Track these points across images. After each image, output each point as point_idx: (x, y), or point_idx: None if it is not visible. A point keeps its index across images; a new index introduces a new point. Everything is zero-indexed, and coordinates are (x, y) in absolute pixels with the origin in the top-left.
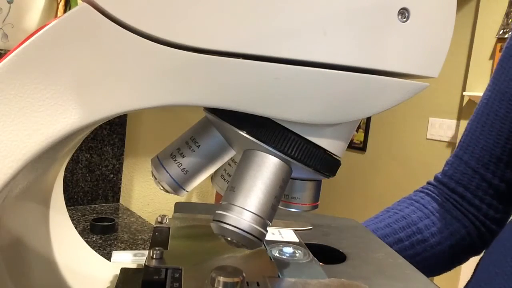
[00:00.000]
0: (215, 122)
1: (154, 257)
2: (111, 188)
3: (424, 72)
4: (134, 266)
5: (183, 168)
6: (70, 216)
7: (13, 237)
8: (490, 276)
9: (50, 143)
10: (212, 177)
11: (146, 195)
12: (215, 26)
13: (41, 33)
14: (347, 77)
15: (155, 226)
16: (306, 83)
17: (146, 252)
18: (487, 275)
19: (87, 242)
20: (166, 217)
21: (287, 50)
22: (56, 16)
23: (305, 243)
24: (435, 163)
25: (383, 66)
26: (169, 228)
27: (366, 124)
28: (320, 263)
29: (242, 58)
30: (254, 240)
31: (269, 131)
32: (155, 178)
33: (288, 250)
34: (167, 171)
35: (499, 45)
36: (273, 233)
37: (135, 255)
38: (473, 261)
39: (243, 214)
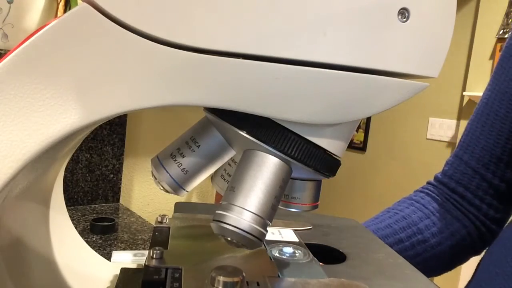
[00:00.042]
0: (215, 122)
1: (154, 257)
2: (111, 188)
3: (424, 72)
4: (134, 266)
5: (183, 168)
6: (70, 216)
7: (13, 237)
8: (491, 276)
9: (50, 143)
10: (212, 177)
11: (146, 195)
12: (215, 26)
13: (41, 33)
14: (347, 77)
15: (155, 226)
16: (306, 83)
17: (146, 252)
18: (487, 275)
19: (87, 242)
20: (166, 217)
21: (287, 50)
22: (56, 16)
23: (305, 243)
24: (435, 163)
25: (383, 66)
26: (169, 228)
27: (366, 124)
28: (320, 263)
29: (242, 58)
30: (254, 240)
31: (269, 131)
32: (155, 178)
33: (288, 250)
34: (167, 171)
35: (499, 45)
36: (273, 233)
37: (135, 255)
38: (473, 261)
39: (243, 214)
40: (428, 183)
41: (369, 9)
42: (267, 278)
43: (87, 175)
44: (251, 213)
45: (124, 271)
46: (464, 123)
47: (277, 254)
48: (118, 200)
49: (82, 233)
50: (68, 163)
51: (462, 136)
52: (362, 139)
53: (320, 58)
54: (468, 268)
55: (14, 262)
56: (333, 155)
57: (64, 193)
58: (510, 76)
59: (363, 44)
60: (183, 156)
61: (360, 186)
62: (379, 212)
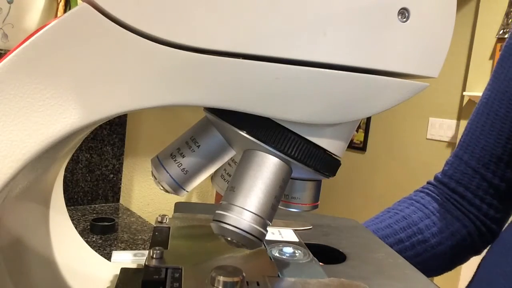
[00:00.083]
0: (215, 122)
1: (154, 256)
2: (111, 188)
3: (424, 72)
4: (134, 266)
5: (183, 168)
6: (70, 216)
7: (13, 237)
8: (491, 276)
9: (50, 143)
10: (212, 177)
11: (146, 195)
12: (215, 26)
13: (41, 33)
14: (347, 77)
15: (155, 226)
16: (306, 83)
17: (146, 252)
18: (488, 275)
19: (87, 242)
20: (166, 217)
21: (287, 50)
22: (56, 16)
23: (305, 243)
24: (435, 163)
25: (383, 66)
26: (169, 228)
27: (366, 124)
28: (320, 263)
29: (242, 58)
30: (254, 240)
31: (269, 131)
32: (155, 178)
33: (288, 250)
34: (167, 171)
35: (499, 45)
36: (273, 233)
37: (135, 255)
38: (473, 261)
39: (243, 214)
40: (428, 183)
41: (369, 9)
42: (267, 278)
43: (87, 175)
44: (251, 213)
45: (124, 271)
46: (464, 123)
47: (277, 254)
48: (118, 200)
49: (82, 233)
50: (68, 163)
51: (462, 136)
52: (362, 139)
53: (320, 58)
54: (468, 268)
55: (14, 262)
56: (333, 155)
57: (64, 193)
58: (510, 76)
59: (363, 44)
60: (183, 156)
61: (360, 186)
62: (379, 212)
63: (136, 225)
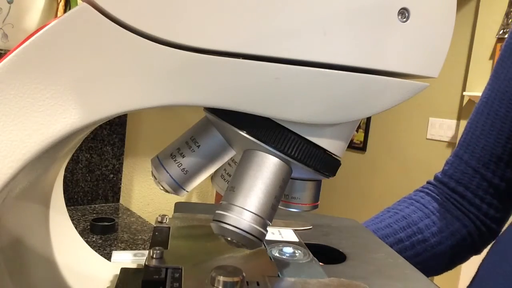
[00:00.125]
0: (215, 122)
1: (154, 256)
2: (111, 188)
3: (424, 72)
4: (134, 266)
5: (183, 168)
6: (70, 216)
7: (13, 237)
8: (492, 276)
9: (50, 143)
10: (212, 177)
11: (146, 195)
12: (215, 26)
13: (41, 33)
14: (347, 77)
15: (155, 226)
16: (306, 83)
17: (146, 252)
18: (489, 275)
19: (87, 242)
20: (166, 217)
21: (287, 50)
22: (56, 16)
23: (305, 243)
24: (435, 163)
25: (383, 66)
26: (169, 228)
27: (366, 124)
28: (320, 263)
29: (242, 58)
30: (254, 240)
31: (269, 131)
32: (155, 178)
33: (288, 250)
34: (167, 171)
35: (499, 45)
36: (273, 233)
37: (135, 255)
38: (473, 261)
39: (243, 214)
40: (428, 182)
41: (369, 9)
42: (267, 278)
43: (87, 175)
44: (251, 213)
45: (124, 271)
46: (464, 123)
47: (277, 254)
48: (118, 200)
49: (82, 233)
50: (68, 163)
51: (462, 136)
52: (362, 139)
53: (320, 58)
54: (468, 268)
55: (14, 262)
56: (333, 155)
57: (64, 193)
58: (510, 75)
59: (363, 44)
60: (183, 156)
61: (360, 186)
62: (379, 212)
63: (136, 225)
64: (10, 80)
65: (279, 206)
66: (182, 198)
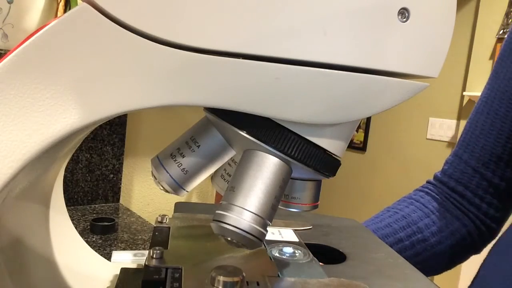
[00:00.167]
0: (215, 122)
1: (154, 256)
2: (111, 188)
3: (424, 72)
4: (134, 266)
5: (183, 168)
6: (70, 216)
7: (13, 237)
8: (493, 276)
9: (50, 143)
10: (212, 177)
11: (146, 195)
12: (215, 26)
13: (41, 33)
14: (347, 77)
15: (155, 226)
16: (306, 83)
17: (146, 252)
18: (490, 275)
19: (87, 242)
20: (166, 217)
21: (287, 50)
22: (56, 16)
23: (305, 243)
24: (435, 163)
25: (383, 66)
26: (169, 228)
27: (366, 124)
28: (320, 263)
29: (242, 58)
30: (254, 240)
31: (269, 131)
32: (155, 178)
33: (288, 250)
34: (167, 171)
35: (499, 45)
36: (273, 233)
37: (135, 255)
38: (473, 260)
39: (243, 214)
40: (428, 182)
41: (369, 9)
42: (267, 278)
43: (87, 175)
44: (251, 213)
45: (124, 271)
46: (464, 123)
47: (277, 254)
48: (118, 200)
49: (82, 233)
50: (68, 163)
51: (461, 135)
52: (362, 139)
53: (320, 58)
54: (468, 268)
55: (14, 262)
56: (333, 155)
57: (64, 193)
58: (510, 74)
59: (363, 44)
60: (183, 156)
61: (360, 186)
62: (378, 212)
63: (136, 225)
64: (10, 80)
65: (279, 206)
66: (182, 198)
